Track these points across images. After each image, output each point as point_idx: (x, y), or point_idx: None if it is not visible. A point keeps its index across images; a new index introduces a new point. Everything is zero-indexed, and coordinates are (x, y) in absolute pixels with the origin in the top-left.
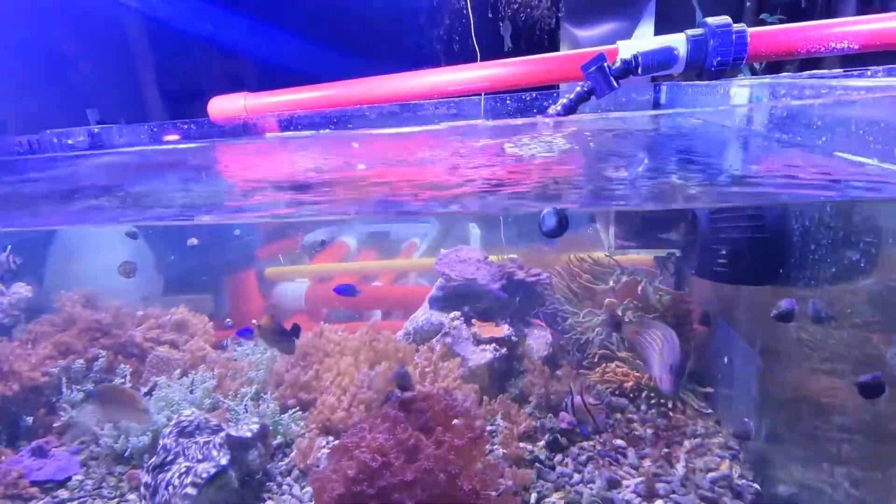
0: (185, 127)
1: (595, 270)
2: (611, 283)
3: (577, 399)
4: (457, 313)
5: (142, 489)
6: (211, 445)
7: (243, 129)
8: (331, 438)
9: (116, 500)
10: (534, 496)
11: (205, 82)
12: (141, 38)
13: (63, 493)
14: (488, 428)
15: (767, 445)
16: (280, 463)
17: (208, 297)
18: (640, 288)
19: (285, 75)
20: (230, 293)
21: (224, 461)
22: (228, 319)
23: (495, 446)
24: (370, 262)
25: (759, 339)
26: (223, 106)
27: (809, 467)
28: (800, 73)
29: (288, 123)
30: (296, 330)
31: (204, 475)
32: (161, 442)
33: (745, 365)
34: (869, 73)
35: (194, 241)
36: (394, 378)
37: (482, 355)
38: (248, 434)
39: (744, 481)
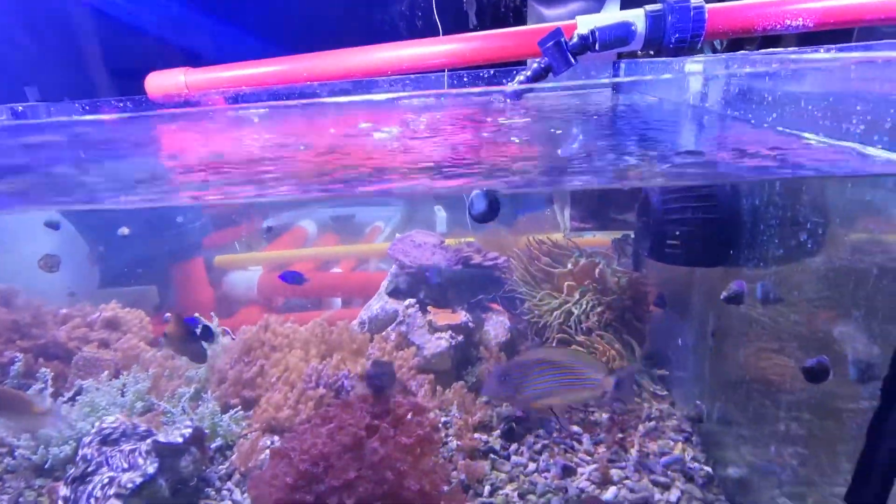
0: (121, 104)
1: (554, 253)
2: (569, 266)
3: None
4: (411, 301)
5: (60, 503)
6: (137, 453)
7: (185, 106)
8: (276, 438)
9: None
10: (487, 488)
11: (157, 60)
12: (84, 14)
13: None
14: (443, 419)
15: (718, 427)
16: (220, 467)
17: (153, 289)
18: (597, 270)
19: (238, 50)
20: (177, 284)
21: (151, 469)
22: (168, 314)
23: (449, 438)
24: (328, 247)
25: (711, 320)
26: (161, 82)
27: (759, 447)
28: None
29: (235, 101)
30: (206, 333)
31: (129, 485)
32: (81, 452)
33: (698, 347)
34: (822, 50)
35: (125, 230)
36: (373, 373)
37: (438, 343)
38: (179, 439)
39: (696, 464)
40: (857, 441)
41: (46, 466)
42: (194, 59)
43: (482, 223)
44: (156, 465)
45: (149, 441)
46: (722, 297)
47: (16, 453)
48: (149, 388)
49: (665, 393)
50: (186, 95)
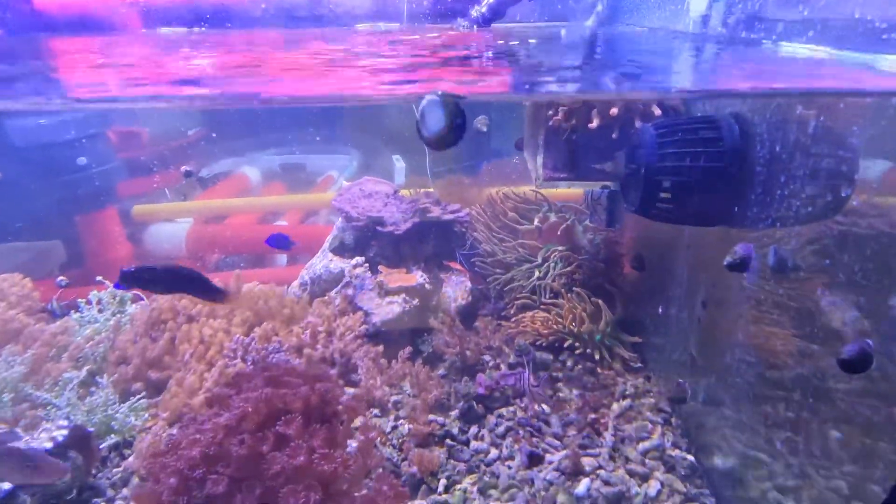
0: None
1: (520, 208)
2: (535, 223)
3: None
4: (360, 259)
5: None
6: None
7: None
8: None
9: None
10: (442, 482)
11: None
12: None
13: None
14: (393, 398)
15: (701, 407)
16: (115, 470)
17: (57, 245)
18: (563, 227)
19: None
20: (85, 239)
21: (6, 485)
22: (62, 277)
23: (400, 421)
24: (270, 198)
25: (702, 288)
26: None
27: (746, 432)
28: None
29: (148, 17)
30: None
31: None
32: None
33: (682, 317)
34: None
35: None
36: None
37: (389, 309)
38: (49, 444)
39: (677, 451)
40: (850, 426)
41: None
42: None
43: (441, 148)
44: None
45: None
46: (725, 262)
47: None
48: (25, 375)
49: (640, 365)
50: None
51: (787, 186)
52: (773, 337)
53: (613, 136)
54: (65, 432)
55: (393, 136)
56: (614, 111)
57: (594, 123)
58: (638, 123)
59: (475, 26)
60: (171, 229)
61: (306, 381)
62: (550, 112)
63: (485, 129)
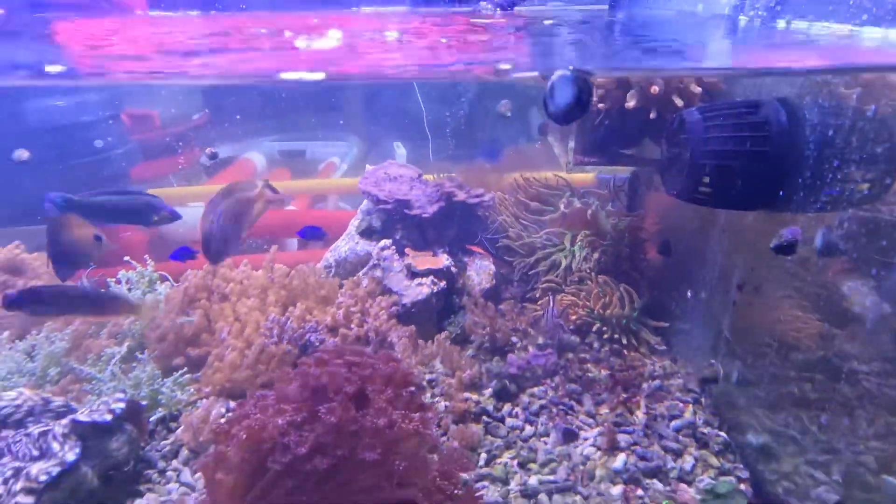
0: None
1: (543, 194)
2: (561, 208)
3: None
4: (387, 242)
5: None
6: (50, 437)
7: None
8: (232, 405)
9: None
10: (483, 456)
11: None
12: None
13: None
14: (427, 377)
15: (732, 387)
16: (163, 442)
17: None
18: (589, 213)
19: None
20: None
21: (71, 457)
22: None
23: (437, 399)
24: (282, 182)
25: (738, 271)
26: None
27: (776, 411)
28: None
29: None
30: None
31: (43, 478)
32: None
33: (714, 300)
34: None
35: (23, 153)
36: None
37: (418, 290)
38: (108, 416)
39: (709, 429)
40: (874, 406)
41: None
42: None
43: (566, 122)
44: (77, 450)
45: (65, 421)
46: (772, 245)
47: None
48: (67, 350)
49: (664, 348)
50: None
51: (841, 170)
52: (797, 320)
53: (651, 116)
54: (122, 405)
55: (393, 122)
56: (655, 89)
57: (631, 104)
58: (679, 102)
59: (498, 9)
60: (186, 214)
61: (382, 362)
62: None
63: (508, 115)
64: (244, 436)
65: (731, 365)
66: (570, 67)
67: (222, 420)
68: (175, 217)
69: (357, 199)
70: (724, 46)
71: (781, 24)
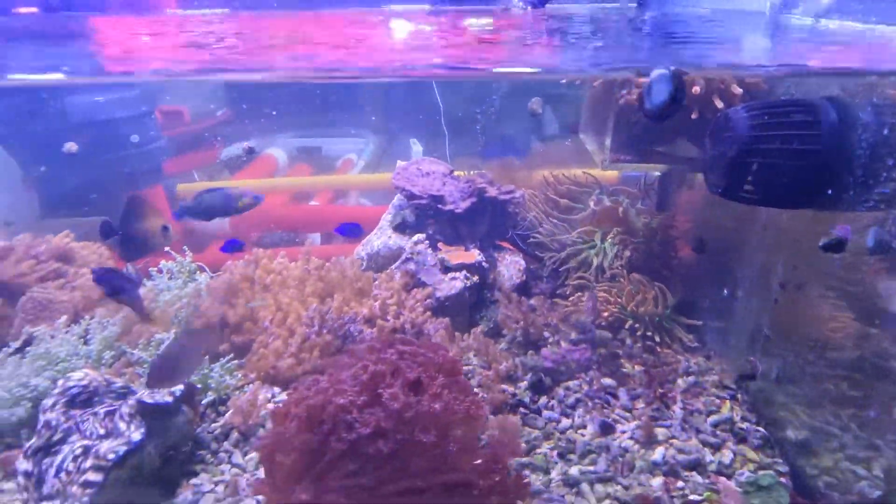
0: None
1: (573, 191)
2: (590, 206)
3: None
4: (421, 236)
5: (20, 479)
6: (117, 417)
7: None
8: (276, 391)
9: None
10: (523, 447)
11: None
12: None
13: None
14: (463, 368)
15: (770, 384)
16: (213, 425)
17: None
18: (621, 210)
19: None
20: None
21: (137, 436)
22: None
23: (475, 390)
24: (305, 178)
25: (781, 269)
26: None
27: (815, 408)
28: None
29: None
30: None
31: (110, 456)
32: (42, 417)
33: (752, 297)
34: None
35: (72, 146)
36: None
37: (452, 284)
38: (169, 398)
39: (746, 424)
40: None
41: None
42: None
43: (660, 119)
44: (142, 430)
45: (132, 401)
46: (821, 244)
47: None
48: (119, 335)
49: (697, 345)
50: None
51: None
52: (835, 319)
53: (693, 117)
54: (181, 387)
55: (409, 119)
56: (697, 90)
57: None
58: (719, 104)
59: (529, 7)
60: None
61: (431, 350)
62: (624, 91)
63: (540, 112)
64: (305, 415)
65: (770, 362)
66: (672, 67)
67: (270, 405)
68: (258, 201)
69: (375, 195)
70: (765, 44)
71: (823, 22)
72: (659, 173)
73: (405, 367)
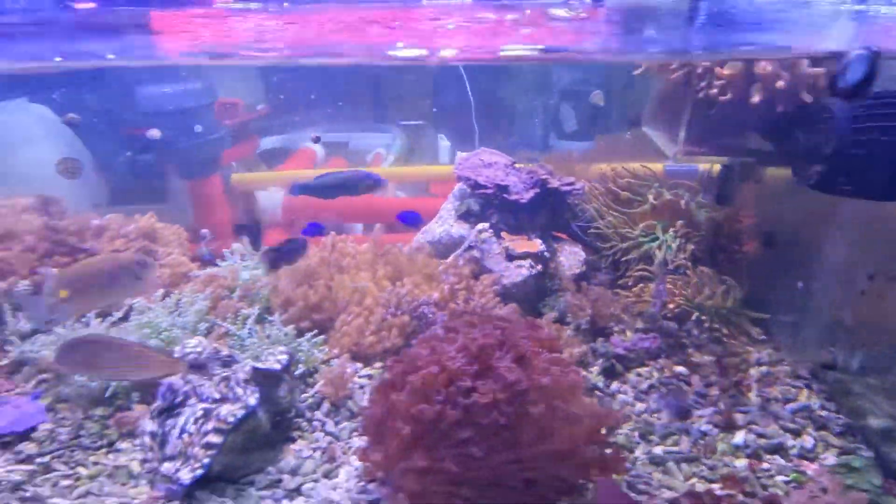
0: None
1: (633, 184)
2: (650, 199)
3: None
4: (485, 225)
5: (146, 439)
6: (233, 382)
7: None
8: (359, 366)
9: (104, 449)
10: (603, 429)
11: None
12: None
13: (29, 447)
14: None
15: (845, 375)
16: (304, 395)
17: (170, 209)
18: (683, 203)
19: None
20: (194, 204)
21: (253, 401)
22: (205, 231)
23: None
24: (398, 168)
25: (868, 260)
26: None
27: (894, 398)
28: None
29: None
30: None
31: (230, 419)
32: (165, 380)
33: (827, 290)
34: None
35: (156, 132)
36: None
37: (518, 272)
38: (277, 365)
39: (826, 412)
40: None
41: (107, 395)
42: None
43: (853, 99)
44: (257, 395)
45: (247, 368)
46: None
47: (70, 379)
48: (209, 308)
49: (764, 338)
50: None
51: None
52: None
53: (779, 109)
54: (286, 357)
55: (437, 113)
56: (781, 84)
57: (755, 99)
58: (807, 98)
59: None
60: (269, 196)
61: (531, 328)
62: (703, 83)
63: (602, 104)
64: (420, 384)
65: (850, 354)
66: (874, 48)
67: (357, 379)
68: (379, 185)
69: (410, 188)
70: (851, 30)
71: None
72: (705, 167)
73: (516, 342)
